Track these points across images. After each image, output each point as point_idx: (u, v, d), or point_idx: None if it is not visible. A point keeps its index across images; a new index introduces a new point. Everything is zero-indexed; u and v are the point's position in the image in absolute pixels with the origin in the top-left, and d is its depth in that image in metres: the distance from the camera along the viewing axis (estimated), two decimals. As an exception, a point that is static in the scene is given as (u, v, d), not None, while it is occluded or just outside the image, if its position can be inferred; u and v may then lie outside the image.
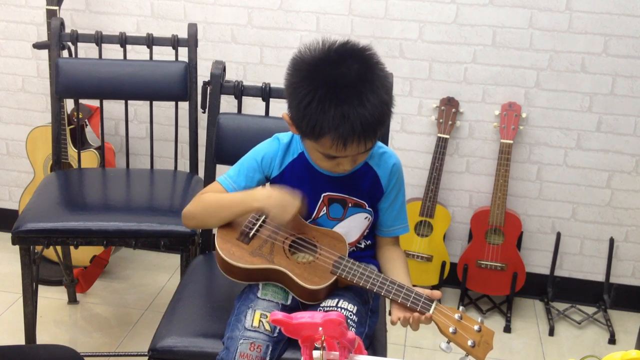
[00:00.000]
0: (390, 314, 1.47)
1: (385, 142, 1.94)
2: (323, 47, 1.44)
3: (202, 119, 2.38)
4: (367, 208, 1.60)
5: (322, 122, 1.39)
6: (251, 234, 1.55)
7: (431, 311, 1.41)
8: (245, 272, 1.52)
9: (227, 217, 1.56)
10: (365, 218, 1.61)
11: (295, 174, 1.59)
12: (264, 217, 1.57)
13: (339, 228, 1.59)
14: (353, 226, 1.60)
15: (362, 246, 1.65)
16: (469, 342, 1.35)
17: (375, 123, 1.40)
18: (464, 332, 1.36)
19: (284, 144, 1.61)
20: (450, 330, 1.36)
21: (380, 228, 1.66)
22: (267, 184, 1.65)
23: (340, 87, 1.39)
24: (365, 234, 1.63)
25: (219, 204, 1.57)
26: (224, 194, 1.59)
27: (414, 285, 1.48)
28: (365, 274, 1.48)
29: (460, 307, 1.43)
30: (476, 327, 1.36)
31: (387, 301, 1.76)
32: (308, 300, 1.52)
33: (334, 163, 1.49)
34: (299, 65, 1.45)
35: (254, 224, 1.57)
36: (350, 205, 1.59)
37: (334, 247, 1.53)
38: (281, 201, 1.49)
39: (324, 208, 1.59)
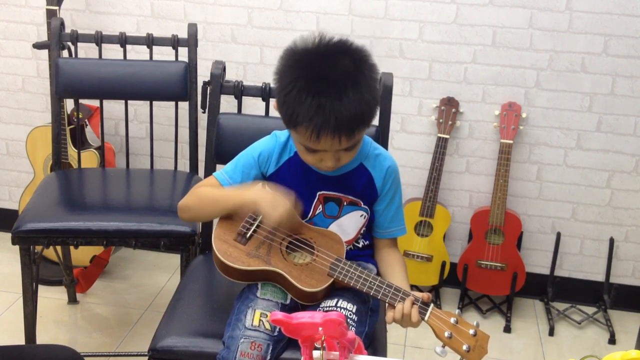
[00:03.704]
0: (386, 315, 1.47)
1: (385, 142, 1.94)
2: (317, 40, 1.45)
3: (202, 119, 2.38)
4: (362, 206, 1.61)
5: (298, 111, 1.40)
6: (248, 235, 1.55)
7: (427, 316, 1.42)
8: (242, 273, 1.52)
9: (221, 210, 1.57)
10: (361, 216, 1.61)
11: (291, 172, 1.60)
12: (261, 217, 1.57)
13: (335, 226, 1.59)
14: (349, 224, 1.60)
15: (360, 245, 1.65)
16: (464, 347, 1.35)
17: (350, 120, 1.40)
18: (459, 337, 1.37)
19: (281, 142, 1.61)
20: (446, 334, 1.37)
21: (377, 230, 1.66)
22: (263, 181, 1.65)
23: (322, 79, 1.39)
24: (362, 232, 1.63)
25: (214, 197, 1.58)
26: (219, 189, 1.59)
27: (411, 286, 1.48)
28: (362, 277, 1.48)
29: (457, 311, 1.43)
30: (472, 332, 1.37)
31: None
32: (305, 302, 1.52)
33: (317, 158, 1.48)
34: (289, 54, 1.46)
35: (251, 225, 1.56)
36: (345, 203, 1.59)
37: (332, 249, 1.53)
38: (273, 197, 1.49)
39: (320, 206, 1.59)
